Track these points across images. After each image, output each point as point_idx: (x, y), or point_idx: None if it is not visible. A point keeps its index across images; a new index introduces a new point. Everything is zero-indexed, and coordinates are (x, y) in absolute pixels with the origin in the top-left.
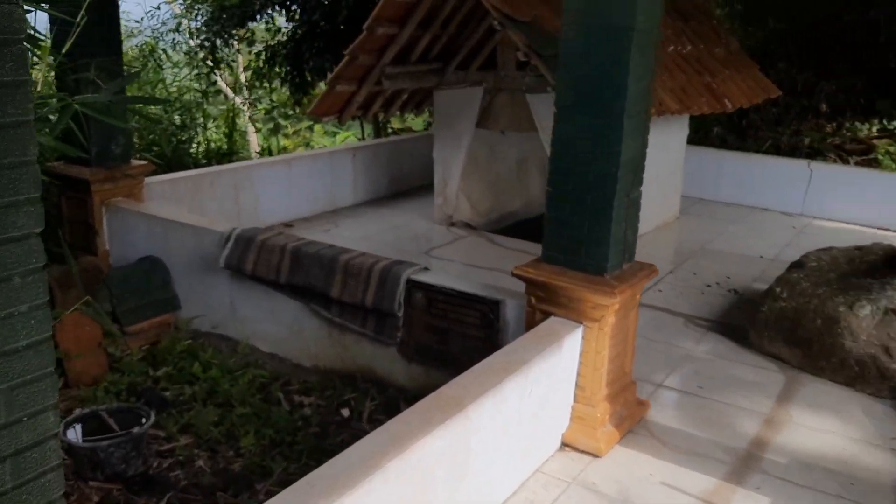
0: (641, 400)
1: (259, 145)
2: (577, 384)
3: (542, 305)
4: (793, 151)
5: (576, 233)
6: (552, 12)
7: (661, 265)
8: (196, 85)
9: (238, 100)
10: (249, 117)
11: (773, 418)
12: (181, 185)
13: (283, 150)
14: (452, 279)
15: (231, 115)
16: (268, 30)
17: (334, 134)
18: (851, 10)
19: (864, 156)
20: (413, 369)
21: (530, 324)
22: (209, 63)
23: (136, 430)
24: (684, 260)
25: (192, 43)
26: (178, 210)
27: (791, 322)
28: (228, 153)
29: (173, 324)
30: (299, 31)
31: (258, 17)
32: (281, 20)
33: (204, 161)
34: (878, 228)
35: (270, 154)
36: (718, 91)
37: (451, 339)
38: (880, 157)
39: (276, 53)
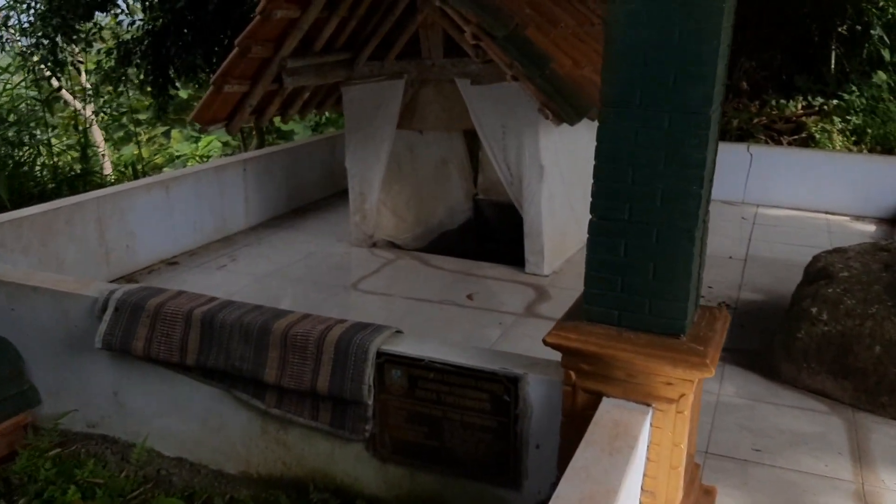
0: (707, 487)
1: (110, 158)
2: (643, 488)
3: (589, 383)
4: (722, 134)
5: (636, 279)
6: None
7: None
8: (33, 93)
9: (89, 108)
10: (95, 126)
11: (863, 489)
12: (26, 228)
13: (140, 159)
14: (444, 347)
15: (85, 126)
16: (118, 23)
17: (196, 139)
18: None
19: (796, 135)
20: (390, 472)
21: (571, 408)
22: (49, 65)
23: None
24: None
25: (24, 42)
26: (26, 266)
27: (838, 349)
28: (82, 174)
29: (31, 426)
30: (157, 24)
31: (108, 7)
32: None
33: (52, 186)
34: (826, 213)
35: (135, 172)
36: None
37: (447, 431)
38: (817, 135)
39: (131, 51)
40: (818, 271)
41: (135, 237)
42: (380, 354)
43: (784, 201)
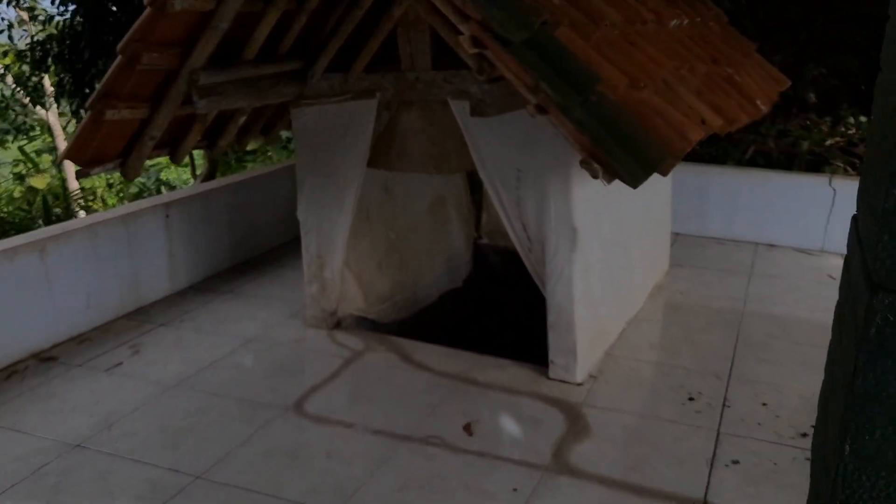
0: None
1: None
2: None
3: None
4: (789, 160)
5: None
6: None
7: (700, 383)
8: None
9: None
10: (59, 133)
11: None
12: None
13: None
14: None
15: None
16: (32, 18)
17: None
18: None
19: None
20: None
21: None
22: None
23: None
24: (726, 366)
25: None
26: None
27: None
28: None
29: None
30: (77, 20)
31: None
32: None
33: None
34: None
35: (46, 207)
36: (745, 87)
37: None
38: None
39: (48, 52)
40: None
41: None
42: None
43: None
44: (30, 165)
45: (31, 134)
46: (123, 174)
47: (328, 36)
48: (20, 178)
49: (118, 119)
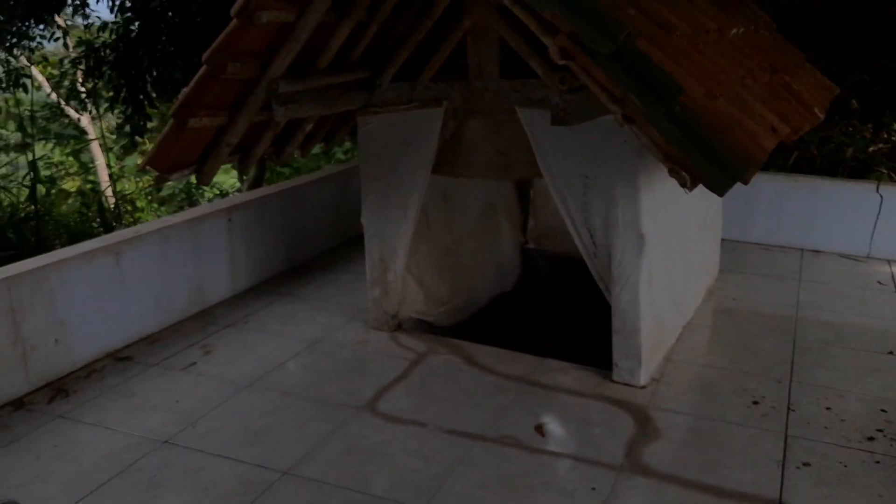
0: None
1: (109, 169)
2: None
3: None
4: (833, 167)
5: None
6: None
7: (762, 387)
8: None
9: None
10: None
11: None
12: None
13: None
14: None
15: (34, 156)
16: (87, 26)
17: None
18: None
19: None
20: None
21: None
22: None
23: None
24: (786, 371)
25: None
26: None
27: None
28: (29, 218)
29: None
30: (134, 27)
31: (67, 6)
32: (101, 9)
33: None
34: None
35: (101, 210)
36: (803, 96)
37: None
38: None
39: (103, 60)
40: None
41: (67, 327)
42: None
43: None
44: (79, 169)
45: (83, 139)
46: (199, 180)
47: (396, 45)
48: (51, 180)
49: (198, 126)
